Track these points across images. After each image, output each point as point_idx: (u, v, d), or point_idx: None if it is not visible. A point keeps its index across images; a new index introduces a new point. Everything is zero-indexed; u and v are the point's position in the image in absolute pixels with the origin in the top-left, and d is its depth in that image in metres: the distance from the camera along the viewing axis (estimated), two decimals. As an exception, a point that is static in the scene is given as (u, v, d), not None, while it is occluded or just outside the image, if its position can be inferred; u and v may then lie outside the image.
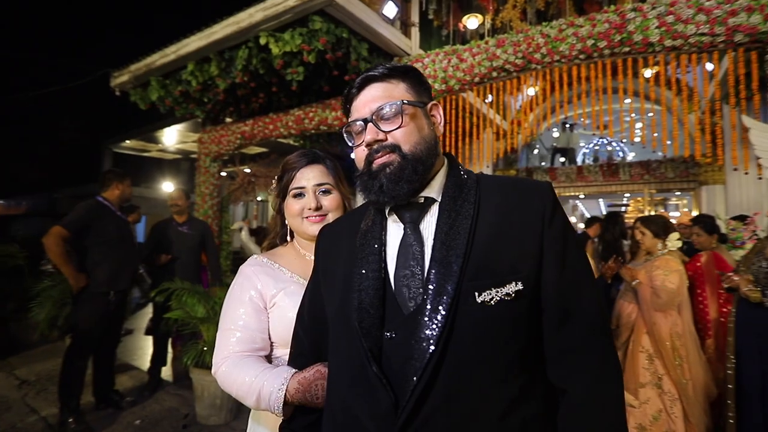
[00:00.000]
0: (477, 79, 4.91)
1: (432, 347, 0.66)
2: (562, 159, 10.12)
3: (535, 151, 11.40)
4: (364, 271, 0.77)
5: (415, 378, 0.66)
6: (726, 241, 3.34)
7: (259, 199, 11.25)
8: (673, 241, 2.68)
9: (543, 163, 10.65)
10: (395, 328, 0.72)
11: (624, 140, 9.04)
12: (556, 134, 10.39)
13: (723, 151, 4.36)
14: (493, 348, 0.69)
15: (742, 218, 3.32)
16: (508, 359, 0.70)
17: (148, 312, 4.44)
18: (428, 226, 0.78)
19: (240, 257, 11.93)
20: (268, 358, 1.09)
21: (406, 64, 0.87)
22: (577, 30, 4.19)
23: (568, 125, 9.91)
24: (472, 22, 5.77)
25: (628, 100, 7.13)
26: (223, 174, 7.76)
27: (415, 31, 5.66)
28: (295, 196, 1.16)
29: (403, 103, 0.78)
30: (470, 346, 0.68)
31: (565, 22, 4.30)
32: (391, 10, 4.93)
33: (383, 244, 0.80)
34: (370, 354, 0.70)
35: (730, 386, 2.46)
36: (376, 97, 0.79)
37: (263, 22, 4.51)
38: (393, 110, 0.77)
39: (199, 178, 7.06)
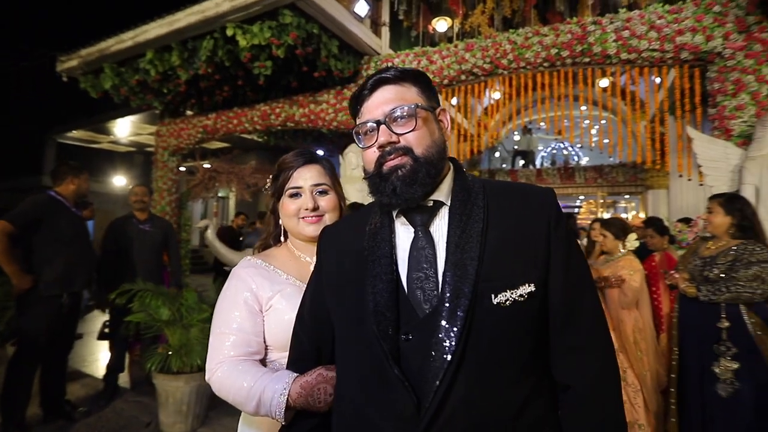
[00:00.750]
0: (446, 82, 5.01)
1: (452, 348, 0.67)
2: (522, 161, 10.53)
3: (497, 154, 11.80)
4: (376, 274, 0.77)
5: (437, 381, 0.67)
6: (674, 242, 3.63)
7: (220, 195, 10.86)
8: (632, 241, 2.88)
9: (504, 165, 11.05)
10: (411, 331, 0.72)
11: (580, 145, 9.58)
12: (516, 137, 10.80)
13: (668, 158, 4.71)
14: (509, 348, 0.72)
15: (687, 221, 3.62)
16: (521, 359, 0.73)
17: (100, 314, 4.16)
18: (438, 229, 0.79)
19: (199, 255, 11.45)
20: (263, 362, 1.06)
21: (416, 68, 0.87)
22: (542, 39, 4.38)
23: (530, 129, 10.33)
24: (441, 24, 5.87)
25: (584, 108, 7.53)
26: (182, 169, 7.41)
27: (385, 31, 5.67)
28: (292, 195, 1.13)
29: (417, 107, 0.79)
30: (487, 347, 0.70)
31: (531, 30, 4.48)
32: (362, 8, 4.91)
33: (393, 247, 0.81)
34: (391, 357, 0.71)
35: (673, 376, 2.68)
36: (388, 99, 0.79)
37: (230, 12, 4.35)
38: (407, 113, 0.78)
39: (157, 173, 6.71)
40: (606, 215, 8.65)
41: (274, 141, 8.26)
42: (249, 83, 5.50)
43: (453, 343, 0.67)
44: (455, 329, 0.68)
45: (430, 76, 5.16)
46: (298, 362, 0.94)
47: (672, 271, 2.70)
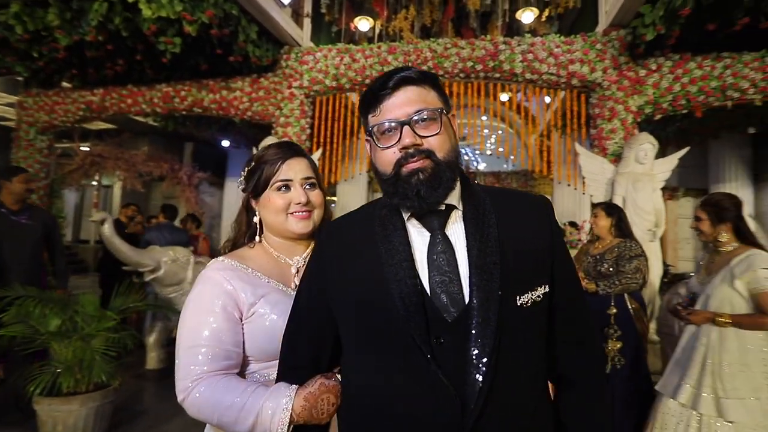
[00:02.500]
0: (368, 81, 5.07)
1: (489, 351, 0.70)
2: (428, 164, 11.13)
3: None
4: (400, 278, 0.75)
5: (479, 385, 0.69)
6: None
7: (104, 183, 9.29)
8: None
9: (412, 167, 11.53)
10: (442, 334, 0.72)
11: (479, 152, 10.51)
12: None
13: (560, 168, 5.45)
14: (530, 348, 0.77)
15: (574, 225, 4.25)
16: (538, 358, 0.79)
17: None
18: (454, 232, 0.80)
19: (73, 253, 9.75)
20: (241, 375, 0.97)
21: (431, 72, 0.88)
22: (459, 51, 4.70)
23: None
24: (363, 24, 5.91)
25: (484, 117, 8.27)
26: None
27: (307, 22, 5.50)
28: (280, 189, 1.05)
29: (441, 111, 0.79)
30: (515, 347, 0.74)
31: (450, 42, 4.77)
32: (286, -5, 4.70)
33: (411, 250, 0.80)
34: (435, 362, 0.70)
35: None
36: (412, 101, 0.78)
37: (133, -25, 3.79)
38: (431, 116, 0.77)
39: (19, 153, 5.56)
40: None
41: (173, 126, 7.42)
42: (150, 59, 4.85)
43: (489, 345, 0.70)
44: (488, 331, 0.71)
45: (353, 74, 5.19)
46: (292, 371, 0.88)
47: None
